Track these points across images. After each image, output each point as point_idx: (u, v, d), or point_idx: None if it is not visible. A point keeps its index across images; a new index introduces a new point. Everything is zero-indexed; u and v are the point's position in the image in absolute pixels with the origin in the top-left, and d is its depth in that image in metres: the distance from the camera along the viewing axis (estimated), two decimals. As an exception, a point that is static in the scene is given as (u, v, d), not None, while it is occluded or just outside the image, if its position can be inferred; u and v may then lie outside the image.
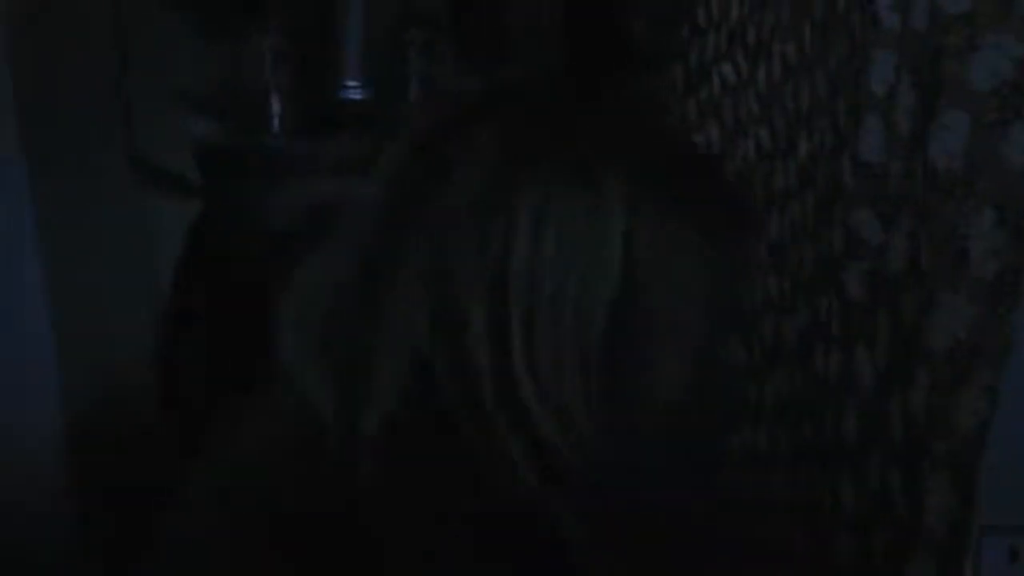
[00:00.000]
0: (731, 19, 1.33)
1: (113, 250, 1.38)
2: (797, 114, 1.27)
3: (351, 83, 1.80)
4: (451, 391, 0.82)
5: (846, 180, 1.11)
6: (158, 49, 1.50)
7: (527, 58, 1.59)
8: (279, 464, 0.84)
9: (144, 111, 1.48)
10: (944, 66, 0.94)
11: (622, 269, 0.80)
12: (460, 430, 0.82)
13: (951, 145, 0.95)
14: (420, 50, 1.69)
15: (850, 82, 1.11)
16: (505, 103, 0.86)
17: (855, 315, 1.12)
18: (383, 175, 0.86)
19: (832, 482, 1.18)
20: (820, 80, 1.20)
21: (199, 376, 1.46)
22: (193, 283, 1.55)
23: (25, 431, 1.26)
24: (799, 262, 1.30)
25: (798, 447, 1.31)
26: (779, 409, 1.37)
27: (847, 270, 1.12)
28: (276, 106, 1.77)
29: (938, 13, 0.94)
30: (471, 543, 0.82)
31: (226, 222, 1.58)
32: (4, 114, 1.32)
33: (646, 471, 0.88)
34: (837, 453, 1.16)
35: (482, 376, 0.80)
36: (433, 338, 0.82)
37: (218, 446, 0.88)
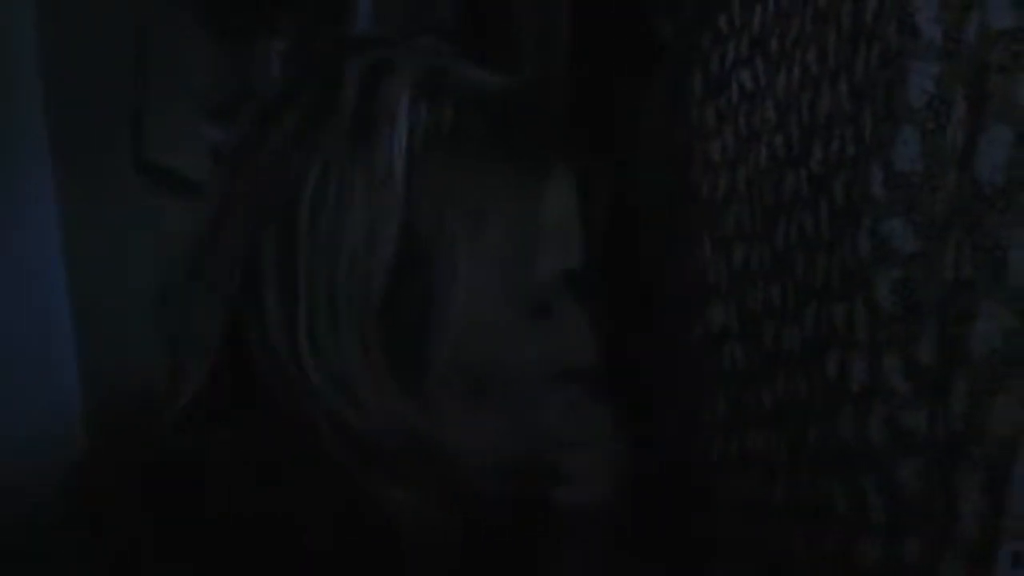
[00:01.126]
0: (754, 26, 1.34)
1: (130, 248, 1.39)
2: (813, 122, 1.28)
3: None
4: (258, 364, 0.83)
5: (875, 190, 1.12)
6: (174, 53, 1.50)
7: (538, 65, 1.59)
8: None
9: (160, 115, 1.48)
10: (991, 81, 0.95)
11: (403, 230, 0.81)
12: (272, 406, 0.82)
13: (995, 158, 0.97)
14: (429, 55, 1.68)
15: (881, 92, 1.12)
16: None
17: (884, 322, 1.13)
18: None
19: (854, 487, 1.18)
20: (843, 89, 1.21)
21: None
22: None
23: (47, 424, 1.27)
24: (808, 270, 1.31)
25: (803, 452, 1.32)
26: (782, 414, 1.38)
27: (876, 278, 1.13)
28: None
29: (985, 28, 0.96)
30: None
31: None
32: (34, 117, 1.33)
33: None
34: (862, 458, 1.17)
35: (278, 349, 0.81)
36: (243, 305, 0.83)
37: None
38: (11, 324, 1.48)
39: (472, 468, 0.87)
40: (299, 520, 0.78)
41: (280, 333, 0.81)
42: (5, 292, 1.50)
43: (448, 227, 0.82)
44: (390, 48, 0.88)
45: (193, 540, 0.77)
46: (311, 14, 1.61)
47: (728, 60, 1.39)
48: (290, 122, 0.84)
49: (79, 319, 1.42)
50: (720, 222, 1.47)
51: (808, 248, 1.30)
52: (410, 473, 0.83)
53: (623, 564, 1.02)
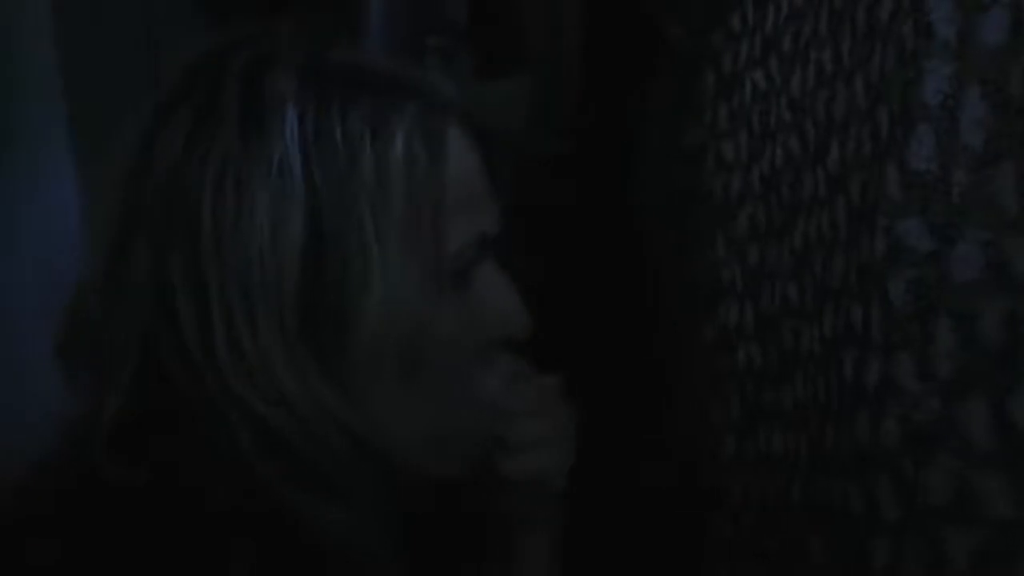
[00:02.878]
0: (766, 26, 1.34)
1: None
2: (830, 122, 1.28)
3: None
4: (175, 377, 0.81)
5: (890, 189, 1.12)
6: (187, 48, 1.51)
7: (547, 66, 1.60)
8: None
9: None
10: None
11: (308, 217, 0.80)
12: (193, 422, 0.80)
13: None
14: (441, 57, 1.69)
15: (896, 92, 1.12)
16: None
17: (898, 323, 1.13)
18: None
19: (868, 486, 1.18)
20: (859, 88, 1.21)
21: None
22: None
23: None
24: (826, 269, 1.31)
25: (820, 451, 1.32)
26: (799, 414, 1.38)
27: (891, 278, 1.13)
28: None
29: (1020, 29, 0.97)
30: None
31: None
32: (54, 101, 1.35)
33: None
34: (876, 457, 1.17)
35: (194, 356, 0.80)
36: (155, 316, 0.81)
37: None
38: (34, 303, 1.49)
39: (406, 458, 0.86)
40: (225, 545, 0.77)
41: (195, 339, 0.80)
42: (27, 270, 1.51)
43: (353, 208, 0.81)
44: (270, 42, 0.88)
45: (115, 568, 0.76)
46: (323, 14, 1.61)
47: (741, 60, 1.39)
48: (181, 124, 0.83)
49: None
50: (734, 222, 1.47)
51: (826, 248, 1.30)
52: (341, 481, 0.82)
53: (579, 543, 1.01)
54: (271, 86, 0.82)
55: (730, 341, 1.50)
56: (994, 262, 1.02)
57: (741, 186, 1.45)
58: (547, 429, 0.93)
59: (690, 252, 1.56)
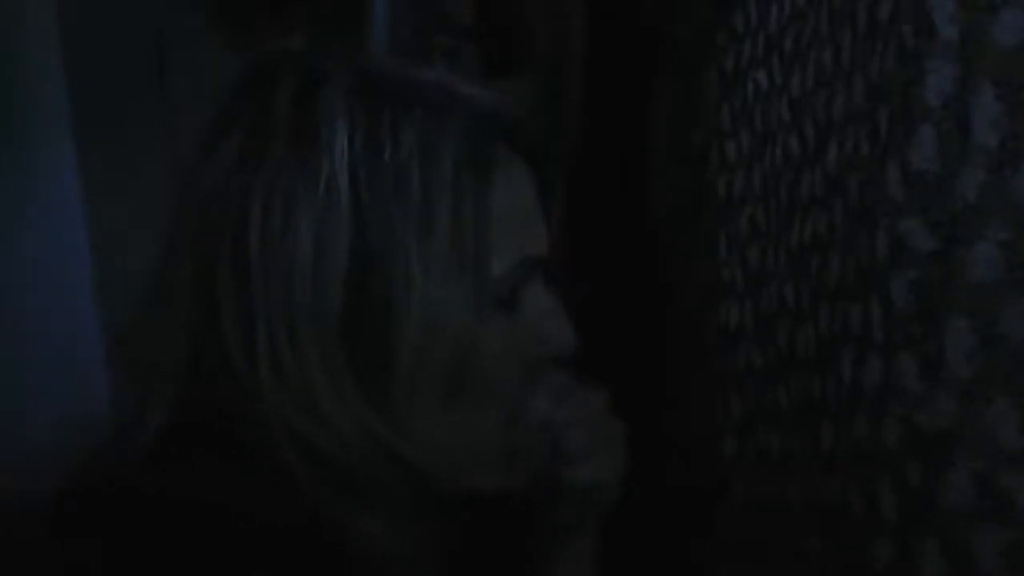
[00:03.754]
0: (769, 26, 1.34)
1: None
2: (829, 122, 1.28)
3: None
4: (220, 394, 0.81)
5: (892, 189, 1.12)
6: (191, 53, 1.51)
7: (551, 66, 1.60)
8: None
9: (185, 112, 1.49)
10: None
11: (353, 241, 0.79)
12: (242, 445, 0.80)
13: None
14: (446, 57, 1.69)
15: (897, 92, 1.12)
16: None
17: (900, 322, 1.13)
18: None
19: (868, 486, 1.18)
20: (858, 88, 1.22)
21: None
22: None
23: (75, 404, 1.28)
24: (822, 269, 1.32)
25: (818, 451, 1.32)
26: (796, 413, 1.39)
27: (893, 278, 1.13)
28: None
29: None
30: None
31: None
32: (58, 102, 1.34)
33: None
34: (876, 457, 1.17)
35: (239, 376, 0.80)
36: (202, 334, 0.81)
37: None
38: (35, 301, 1.49)
39: (453, 475, 0.85)
40: (263, 558, 0.77)
41: (240, 358, 0.79)
42: (30, 270, 1.51)
43: (398, 233, 0.80)
44: (323, 58, 0.87)
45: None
46: (328, 14, 1.62)
47: (744, 60, 1.39)
48: (232, 139, 0.82)
49: (103, 297, 1.43)
50: (736, 222, 1.47)
51: (823, 248, 1.30)
52: (382, 497, 0.82)
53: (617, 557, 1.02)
54: (323, 103, 0.81)
55: (731, 341, 1.50)
56: (1016, 262, 1.03)
57: (743, 186, 1.45)
58: (600, 439, 0.94)
59: (696, 253, 1.56)
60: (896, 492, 1.14)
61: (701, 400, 1.59)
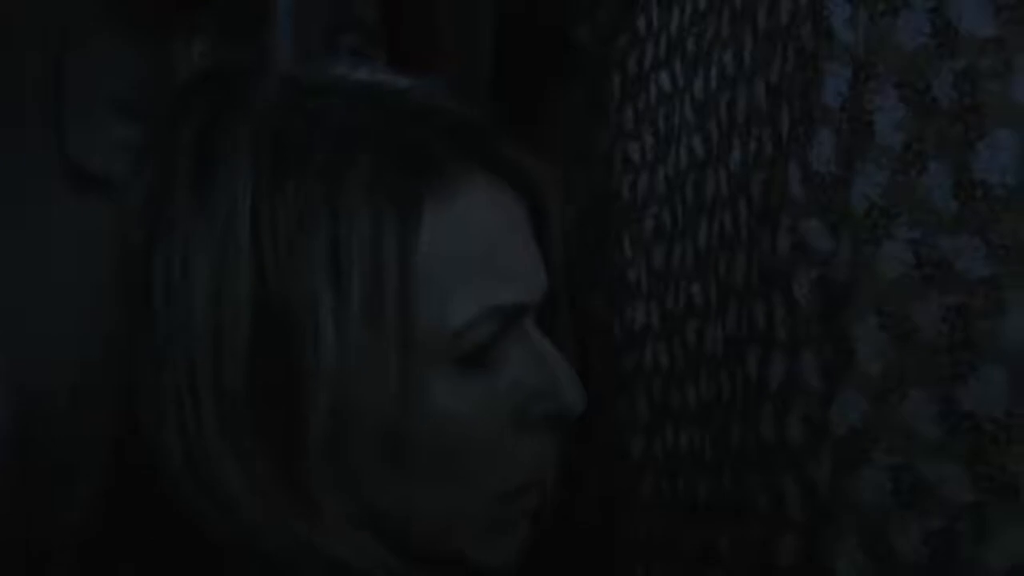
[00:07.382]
0: (671, 28, 1.35)
1: (50, 250, 1.37)
2: (732, 123, 1.29)
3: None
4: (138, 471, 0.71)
5: (793, 189, 1.13)
6: (92, 53, 1.48)
7: (459, 66, 1.59)
8: None
9: (79, 116, 1.45)
10: (983, 86, 1.01)
11: (256, 292, 0.68)
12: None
13: (1002, 161, 1.02)
14: (352, 56, 1.67)
15: (797, 93, 1.13)
16: None
17: (802, 321, 1.14)
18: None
19: (774, 484, 1.19)
20: (759, 90, 1.23)
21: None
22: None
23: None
24: (728, 269, 1.33)
25: (726, 449, 1.33)
26: (703, 412, 1.39)
27: (795, 277, 1.14)
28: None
29: (956, 34, 1.00)
30: None
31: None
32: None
33: None
34: (781, 455, 1.18)
35: (154, 450, 0.70)
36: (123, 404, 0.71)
37: None
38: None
39: (432, 543, 0.74)
40: None
41: (153, 430, 0.69)
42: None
43: (304, 280, 0.68)
44: (237, 76, 0.74)
45: None
46: (231, 13, 1.59)
47: (647, 62, 1.40)
48: (143, 180, 0.72)
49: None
50: (640, 222, 1.48)
51: (729, 247, 1.31)
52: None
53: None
54: (226, 134, 0.71)
55: (636, 341, 1.51)
56: (926, 259, 1.04)
57: (647, 187, 1.46)
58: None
59: (600, 254, 1.56)
60: (801, 489, 1.15)
61: (608, 401, 1.59)
